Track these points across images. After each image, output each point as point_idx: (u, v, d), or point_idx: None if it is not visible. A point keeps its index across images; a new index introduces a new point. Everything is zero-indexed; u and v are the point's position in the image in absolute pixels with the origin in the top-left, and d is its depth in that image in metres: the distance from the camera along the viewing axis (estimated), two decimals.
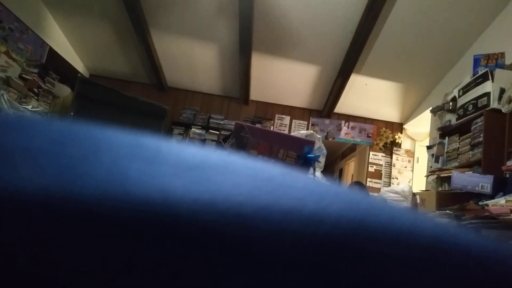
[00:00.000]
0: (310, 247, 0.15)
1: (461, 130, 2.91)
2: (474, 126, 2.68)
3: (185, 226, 0.14)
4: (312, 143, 1.61)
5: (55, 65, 4.22)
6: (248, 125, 1.57)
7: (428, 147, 3.51)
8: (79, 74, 4.46)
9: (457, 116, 2.96)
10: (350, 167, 6.46)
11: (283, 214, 0.15)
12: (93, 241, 0.13)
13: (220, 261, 0.14)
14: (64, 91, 4.31)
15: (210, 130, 5.12)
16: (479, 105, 2.67)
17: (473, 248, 0.17)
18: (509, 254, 0.18)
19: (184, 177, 0.15)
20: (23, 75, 3.63)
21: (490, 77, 2.64)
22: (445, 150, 3.06)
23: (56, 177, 0.14)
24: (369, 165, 5.18)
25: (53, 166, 0.14)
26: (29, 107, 3.50)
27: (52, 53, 4.29)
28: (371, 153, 5.25)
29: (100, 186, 0.14)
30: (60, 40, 4.52)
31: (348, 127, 5.36)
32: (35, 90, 3.80)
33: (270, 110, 5.40)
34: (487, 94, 2.62)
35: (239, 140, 1.52)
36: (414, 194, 2.41)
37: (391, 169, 5.15)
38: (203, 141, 5.09)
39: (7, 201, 0.13)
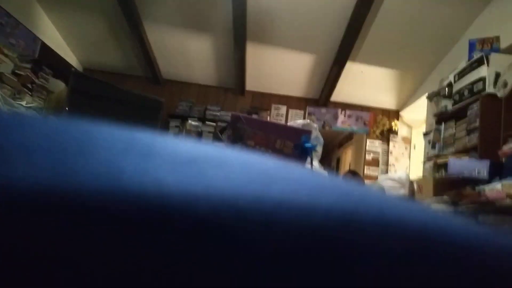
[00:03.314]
0: (302, 238, 0.15)
1: (457, 115, 2.92)
2: (470, 111, 2.69)
3: (180, 219, 0.14)
4: (309, 132, 1.61)
5: (48, 60, 4.18)
6: (244, 116, 1.56)
7: (425, 134, 3.52)
8: (72, 69, 4.42)
9: (453, 102, 2.97)
10: (348, 156, 6.48)
11: (275, 206, 0.15)
12: (89, 236, 0.13)
13: (215, 252, 0.14)
14: (58, 86, 4.27)
15: (206, 122, 5.11)
16: (475, 90, 2.68)
17: (467, 240, 0.17)
18: (503, 245, 0.18)
19: (178, 171, 0.15)
20: (16, 71, 3.60)
21: (485, 62, 2.64)
22: (442, 136, 3.07)
23: (49, 173, 0.14)
24: (366, 153, 5.20)
25: (46, 162, 0.14)
26: (24, 103, 3.47)
27: (45, 48, 4.24)
28: (368, 141, 5.26)
29: (94, 181, 0.14)
30: (52, 34, 4.47)
31: (344, 116, 5.36)
32: (29, 85, 3.76)
33: (266, 100, 5.39)
34: (483, 79, 2.62)
35: (236, 131, 1.52)
36: (411, 181, 2.42)
37: (388, 156, 5.17)
38: (200, 133, 5.08)
39: (2, 198, 0.13)
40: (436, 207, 1.63)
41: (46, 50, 4.26)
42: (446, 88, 3.10)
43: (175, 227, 0.14)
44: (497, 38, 2.84)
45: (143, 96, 4.67)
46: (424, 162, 3.38)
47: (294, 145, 1.55)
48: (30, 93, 3.78)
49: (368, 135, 5.29)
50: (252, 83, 5.19)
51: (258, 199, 0.15)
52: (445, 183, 2.30)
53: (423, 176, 3.51)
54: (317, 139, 2.16)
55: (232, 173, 0.16)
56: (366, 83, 4.89)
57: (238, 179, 0.16)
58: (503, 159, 2.14)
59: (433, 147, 3.17)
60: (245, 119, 1.54)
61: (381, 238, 0.16)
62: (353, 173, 3.38)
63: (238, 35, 4.11)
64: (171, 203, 0.14)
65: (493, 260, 0.18)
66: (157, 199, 0.14)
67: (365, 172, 5.06)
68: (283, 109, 5.37)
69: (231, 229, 0.14)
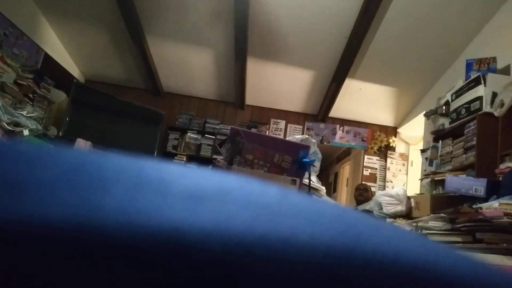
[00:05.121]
0: (305, 275, 0.16)
1: (454, 133, 2.94)
2: (467, 130, 2.71)
3: (196, 256, 0.15)
4: (307, 147, 1.62)
5: (50, 70, 4.21)
6: (243, 130, 1.58)
7: (422, 151, 3.54)
8: (74, 80, 4.45)
9: (450, 120, 3.00)
10: (345, 171, 6.48)
11: (281, 243, 0.16)
12: (113, 271, 0.14)
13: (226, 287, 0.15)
14: (60, 96, 4.30)
15: (206, 135, 5.13)
16: (472, 109, 2.71)
17: (458, 277, 0.18)
18: (493, 283, 0.19)
19: (189, 209, 0.16)
20: (18, 81, 3.62)
21: (482, 81, 2.67)
22: (439, 154, 3.09)
23: (73, 209, 0.15)
24: (364, 168, 5.21)
25: (69, 198, 0.15)
26: (24, 112, 3.48)
27: (48, 59, 4.28)
28: (365, 157, 5.27)
29: (115, 218, 0.15)
30: (55, 45, 4.52)
31: (343, 131, 5.39)
32: (30, 95, 3.78)
33: (265, 114, 5.42)
34: (480, 98, 2.65)
35: (235, 145, 1.53)
36: (408, 198, 2.42)
37: (385, 172, 5.18)
38: (199, 145, 5.10)
39: (19, 232, 0.14)
40: (434, 224, 1.63)
41: (49, 61, 4.30)
42: (444, 107, 3.13)
43: (191, 264, 0.15)
44: (494, 59, 2.89)
45: (143, 108, 4.71)
46: (422, 179, 3.39)
47: (293, 160, 1.56)
48: (31, 103, 3.79)
49: (366, 151, 5.31)
50: (252, 98, 5.23)
51: (264, 236, 0.16)
52: (442, 200, 2.30)
53: (420, 192, 3.52)
54: (315, 154, 2.16)
55: (239, 209, 0.17)
56: (364, 100, 4.93)
57: (245, 216, 0.17)
58: (500, 177, 2.15)
59: (431, 164, 3.18)
60: (244, 133, 1.56)
61: (376, 275, 0.17)
62: (365, 188, 3.40)
63: (239, 51, 4.16)
64: (186, 241, 0.15)
65: None
66: (175, 237, 0.15)
67: None
68: (282, 123, 5.40)
69: (241, 266, 0.15)
